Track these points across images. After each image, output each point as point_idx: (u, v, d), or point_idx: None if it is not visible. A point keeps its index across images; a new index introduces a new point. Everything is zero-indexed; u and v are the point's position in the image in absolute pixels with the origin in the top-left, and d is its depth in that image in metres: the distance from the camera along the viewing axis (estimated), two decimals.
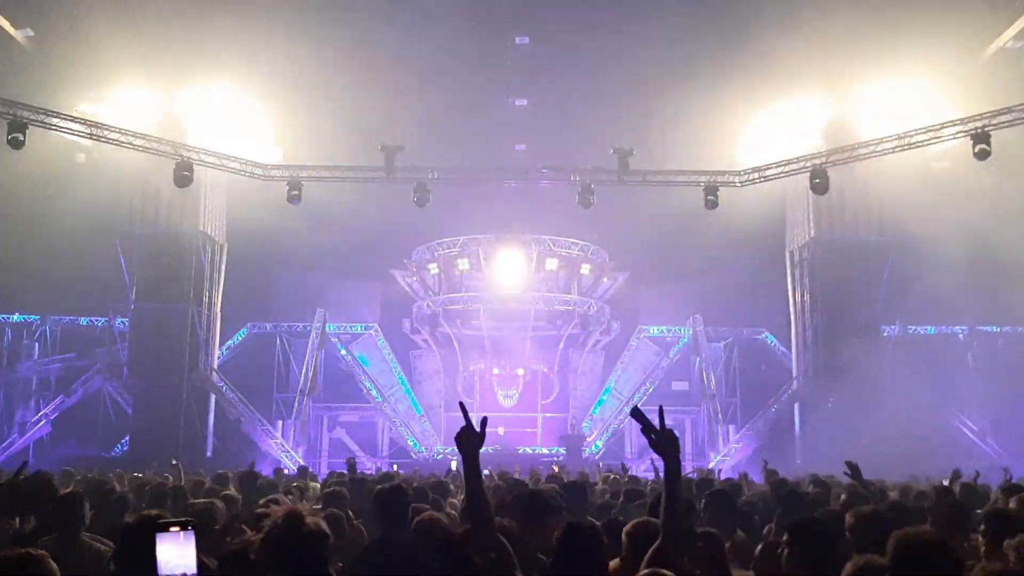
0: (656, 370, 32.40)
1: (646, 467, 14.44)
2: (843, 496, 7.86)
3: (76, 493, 6.00)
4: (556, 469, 13.10)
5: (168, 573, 2.86)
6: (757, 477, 13.87)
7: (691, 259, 30.34)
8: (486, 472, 16.36)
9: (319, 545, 3.16)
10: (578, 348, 33.03)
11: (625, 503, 7.54)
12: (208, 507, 5.94)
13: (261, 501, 6.42)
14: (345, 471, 12.48)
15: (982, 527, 5.38)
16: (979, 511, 6.66)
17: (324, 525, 3.20)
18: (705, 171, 24.64)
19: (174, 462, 12.33)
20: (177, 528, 2.91)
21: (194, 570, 2.89)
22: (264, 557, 3.12)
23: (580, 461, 26.92)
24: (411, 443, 30.96)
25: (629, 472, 14.30)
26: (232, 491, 8.63)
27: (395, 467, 22.91)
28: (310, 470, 15.83)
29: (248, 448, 28.70)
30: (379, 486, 5.99)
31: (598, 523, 4.67)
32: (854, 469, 7.44)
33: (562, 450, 29.81)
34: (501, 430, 30.27)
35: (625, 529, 4.45)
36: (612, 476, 13.00)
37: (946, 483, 9.32)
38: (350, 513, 6.63)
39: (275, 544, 3.11)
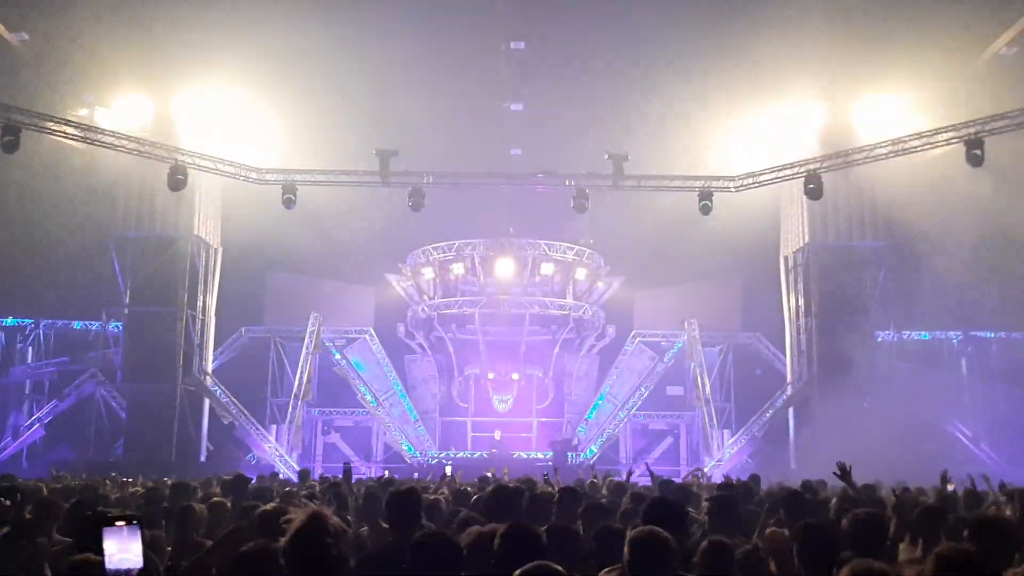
0: (651, 375, 32.39)
1: (640, 472, 14.38)
2: (833, 501, 7.85)
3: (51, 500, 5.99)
4: (546, 476, 13.03)
5: (115, 567, 2.92)
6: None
7: (686, 264, 30.37)
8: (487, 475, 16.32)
9: (341, 545, 3.21)
10: (573, 353, 33.03)
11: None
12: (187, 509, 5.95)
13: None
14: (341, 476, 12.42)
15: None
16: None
17: (344, 525, 3.25)
18: (700, 176, 24.68)
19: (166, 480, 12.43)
20: (123, 523, 2.97)
21: (140, 564, 2.95)
22: (290, 557, 3.15)
23: (566, 466, 26.84)
24: (406, 448, 30.91)
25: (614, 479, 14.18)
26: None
27: (386, 472, 22.88)
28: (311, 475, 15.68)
29: (242, 452, 28.69)
30: (393, 488, 5.97)
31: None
32: (844, 471, 7.39)
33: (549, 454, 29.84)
34: (497, 434, 30.25)
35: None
36: (611, 481, 12.92)
37: (951, 488, 9.29)
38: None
39: (301, 545, 3.14)
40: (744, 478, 12.91)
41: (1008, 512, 7.45)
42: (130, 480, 13.24)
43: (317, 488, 10.04)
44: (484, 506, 6.01)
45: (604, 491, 10.22)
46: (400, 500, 5.39)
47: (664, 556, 3.95)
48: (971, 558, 3.44)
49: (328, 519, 3.23)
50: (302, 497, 8.64)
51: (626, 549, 4.02)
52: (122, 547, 2.94)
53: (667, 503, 5.50)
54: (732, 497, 6.82)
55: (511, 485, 7.22)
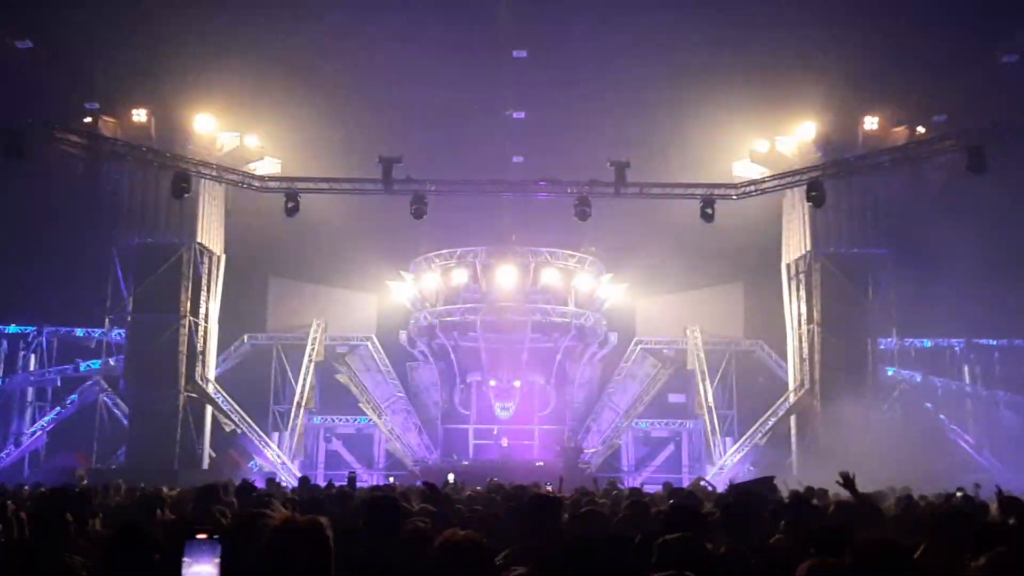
0: (653, 382, 32.38)
1: (643, 480, 14.39)
2: (831, 509, 7.83)
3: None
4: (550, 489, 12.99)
5: None
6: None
7: (688, 271, 30.38)
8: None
9: (323, 551, 3.15)
10: (575, 360, 32.99)
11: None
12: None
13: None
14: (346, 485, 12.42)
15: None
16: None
17: (329, 532, 3.20)
18: (702, 183, 24.69)
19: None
20: (204, 536, 2.95)
21: None
22: (267, 561, 3.12)
23: (577, 474, 26.85)
24: (408, 455, 30.89)
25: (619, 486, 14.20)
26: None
27: (391, 479, 22.87)
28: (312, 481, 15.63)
29: (245, 460, 28.67)
30: (370, 496, 5.96)
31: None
32: (848, 480, 7.38)
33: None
34: (505, 441, 30.21)
35: None
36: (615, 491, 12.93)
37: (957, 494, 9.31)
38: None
39: (278, 549, 3.11)
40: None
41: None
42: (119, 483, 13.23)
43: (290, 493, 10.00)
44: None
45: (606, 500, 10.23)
46: (377, 508, 5.38)
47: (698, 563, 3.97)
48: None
49: (307, 524, 3.18)
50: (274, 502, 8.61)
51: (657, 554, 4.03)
52: (200, 561, 2.93)
53: (687, 509, 5.51)
54: (746, 504, 6.80)
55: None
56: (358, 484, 15.35)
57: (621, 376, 33.20)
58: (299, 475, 23.59)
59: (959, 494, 9.86)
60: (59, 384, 30.69)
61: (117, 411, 28.57)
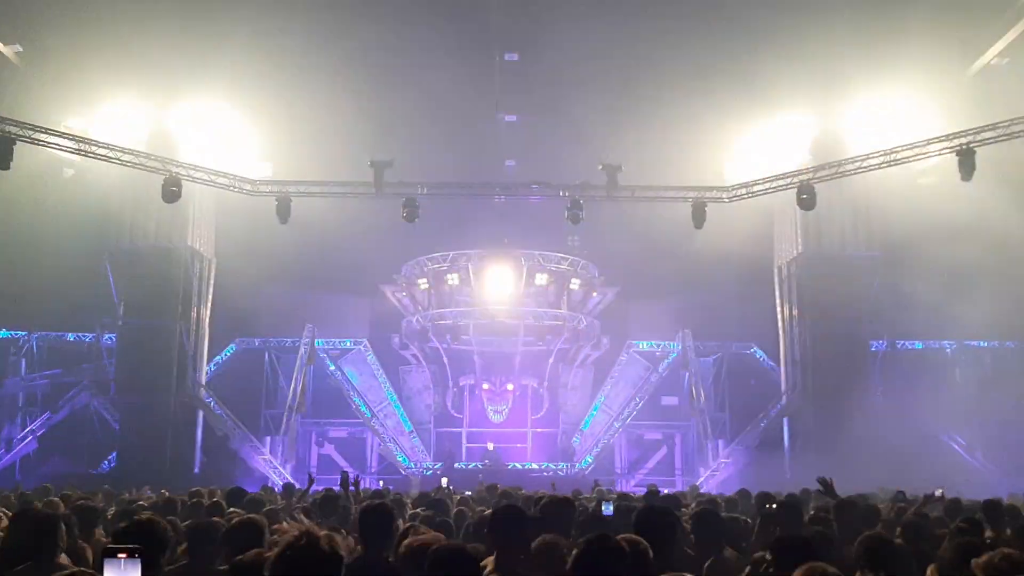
0: (645, 385, 32.39)
1: (636, 483, 14.35)
2: (812, 512, 7.85)
3: (51, 515, 5.93)
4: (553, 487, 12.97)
5: None
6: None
7: (680, 274, 30.38)
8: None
9: (334, 569, 3.10)
10: (568, 363, 33.01)
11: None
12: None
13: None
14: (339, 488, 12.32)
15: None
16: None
17: (340, 548, 3.16)
18: (693, 187, 24.73)
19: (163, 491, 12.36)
20: (124, 555, 2.92)
21: None
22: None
23: (570, 477, 26.87)
24: (400, 459, 30.85)
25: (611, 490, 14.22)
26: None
27: (380, 483, 22.82)
28: (297, 487, 15.56)
29: (236, 465, 28.56)
30: (365, 503, 5.95)
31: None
32: (826, 484, 7.44)
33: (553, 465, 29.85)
34: (490, 445, 30.22)
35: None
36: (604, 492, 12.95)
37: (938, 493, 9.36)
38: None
39: (288, 564, 3.07)
40: (738, 488, 12.92)
41: None
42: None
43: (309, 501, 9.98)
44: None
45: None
46: (372, 514, 5.38)
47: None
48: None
49: (320, 540, 3.13)
50: (294, 512, 8.60)
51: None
52: None
53: (657, 510, 5.51)
54: (712, 510, 6.80)
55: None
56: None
57: (614, 379, 33.24)
58: (292, 480, 23.57)
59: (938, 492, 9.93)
60: (50, 389, 30.52)
61: (108, 416, 28.46)
